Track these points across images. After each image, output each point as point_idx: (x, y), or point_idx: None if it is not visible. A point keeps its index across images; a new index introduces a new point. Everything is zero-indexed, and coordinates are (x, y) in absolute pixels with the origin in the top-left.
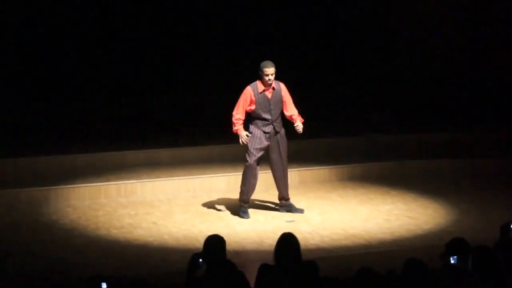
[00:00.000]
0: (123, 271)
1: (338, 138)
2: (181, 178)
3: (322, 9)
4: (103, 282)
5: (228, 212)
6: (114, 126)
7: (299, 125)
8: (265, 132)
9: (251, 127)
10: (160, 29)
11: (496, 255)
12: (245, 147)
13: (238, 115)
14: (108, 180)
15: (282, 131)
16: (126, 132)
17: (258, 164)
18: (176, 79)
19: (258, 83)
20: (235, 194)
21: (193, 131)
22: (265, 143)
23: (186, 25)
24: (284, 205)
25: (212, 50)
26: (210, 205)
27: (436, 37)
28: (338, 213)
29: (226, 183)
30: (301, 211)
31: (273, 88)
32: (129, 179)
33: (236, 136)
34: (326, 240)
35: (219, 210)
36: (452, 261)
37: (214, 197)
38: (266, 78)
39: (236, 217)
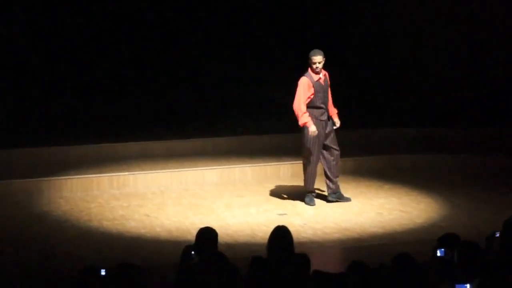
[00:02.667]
0: (115, 263)
1: None
2: (174, 171)
3: (320, 10)
4: (102, 269)
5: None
6: (106, 118)
7: (337, 121)
8: (321, 121)
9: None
10: (153, 25)
11: (483, 250)
12: (303, 144)
13: (302, 107)
14: (100, 172)
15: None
16: (120, 124)
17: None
18: (170, 74)
19: (310, 72)
20: (227, 187)
21: (186, 124)
22: (322, 134)
23: (183, 21)
24: (334, 191)
25: (210, 47)
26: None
27: (430, 34)
28: (330, 206)
29: (219, 175)
30: (348, 199)
31: (324, 75)
32: (121, 171)
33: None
34: (319, 234)
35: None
36: (438, 254)
37: (207, 189)
38: (314, 66)
39: (228, 210)
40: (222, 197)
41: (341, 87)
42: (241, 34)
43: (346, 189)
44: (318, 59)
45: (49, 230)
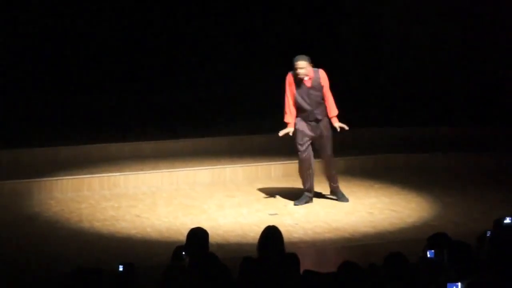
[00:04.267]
0: (107, 264)
1: None
2: (165, 171)
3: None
4: (120, 265)
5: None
6: (97, 118)
7: (337, 126)
8: (309, 121)
9: (296, 122)
10: (145, 25)
11: (472, 250)
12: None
13: (286, 106)
14: (91, 173)
15: (326, 120)
16: (110, 125)
17: (309, 154)
18: (163, 74)
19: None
20: (218, 187)
21: (177, 124)
22: (309, 133)
23: (176, 21)
24: (333, 190)
25: (203, 48)
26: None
27: (424, 32)
28: (321, 206)
29: (210, 175)
30: (345, 200)
31: (310, 78)
32: (112, 171)
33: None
34: (310, 233)
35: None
36: (429, 255)
37: (198, 190)
38: (296, 72)
39: (220, 210)
40: (213, 198)
41: (337, 86)
42: (234, 34)
43: None
44: (298, 64)
45: (40, 231)
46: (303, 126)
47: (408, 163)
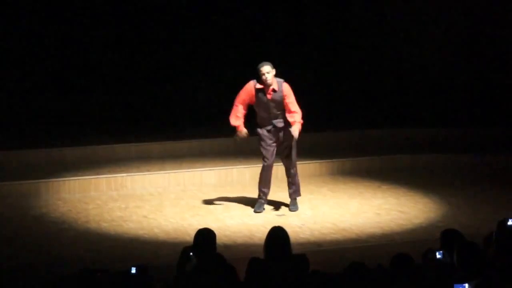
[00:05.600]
0: (114, 264)
1: (329, 132)
2: (172, 172)
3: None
4: (133, 267)
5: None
6: (104, 119)
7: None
8: (267, 131)
9: (257, 130)
10: (154, 25)
11: (482, 251)
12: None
13: (238, 108)
14: (98, 173)
15: (288, 129)
16: (117, 125)
17: (273, 160)
18: (169, 73)
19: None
20: (225, 188)
21: (184, 125)
22: (272, 138)
23: (178, 21)
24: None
25: (204, 47)
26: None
27: (424, 33)
28: (328, 207)
29: (216, 177)
30: (295, 208)
31: (273, 90)
32: (119, 172)
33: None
34: (316, 234)
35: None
36: (438, 256)
37: (205, 190)
38: (263, 77)
39: (226, 211)
40: (220, 198)
41: (337, 86)
42: (233, 34)
43: (344, 190)
44: (265, 69)
45: (47, 231)
46: (263, 132)
47: (415, 164)
